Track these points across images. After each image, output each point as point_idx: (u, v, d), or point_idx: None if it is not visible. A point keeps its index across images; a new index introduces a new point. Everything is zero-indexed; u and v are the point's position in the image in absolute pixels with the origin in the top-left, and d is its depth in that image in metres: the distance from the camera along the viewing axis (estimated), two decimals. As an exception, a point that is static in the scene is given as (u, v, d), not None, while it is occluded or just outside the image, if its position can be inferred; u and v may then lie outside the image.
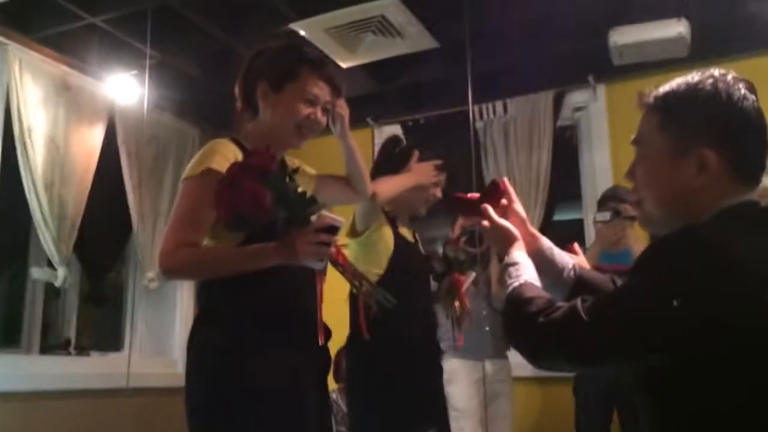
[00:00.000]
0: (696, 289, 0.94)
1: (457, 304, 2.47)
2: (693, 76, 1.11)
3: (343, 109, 1.80)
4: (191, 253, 1.52)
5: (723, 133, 1.07)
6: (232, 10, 3.19)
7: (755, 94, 1.09)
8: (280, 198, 1.42)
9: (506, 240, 1.28)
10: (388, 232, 2.28)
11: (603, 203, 2.96)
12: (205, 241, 1.56)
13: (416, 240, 2.46)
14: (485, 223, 1.32)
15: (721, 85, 1.08)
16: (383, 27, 3.10)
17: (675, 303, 0.94)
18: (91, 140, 3.42)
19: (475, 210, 1.35)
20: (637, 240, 2.87)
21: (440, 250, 2.60)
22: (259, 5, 3.05)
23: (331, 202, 1.62)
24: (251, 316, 1.54)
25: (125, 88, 3.46)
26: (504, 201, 1.36)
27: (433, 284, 2.52)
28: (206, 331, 1.56)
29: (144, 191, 3.70)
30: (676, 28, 2.91)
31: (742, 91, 1.08)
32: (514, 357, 3.13)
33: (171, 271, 1.56)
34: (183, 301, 3.99)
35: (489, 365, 3.05)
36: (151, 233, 3.73)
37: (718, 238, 0.98)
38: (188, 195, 1.56)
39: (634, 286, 1.02)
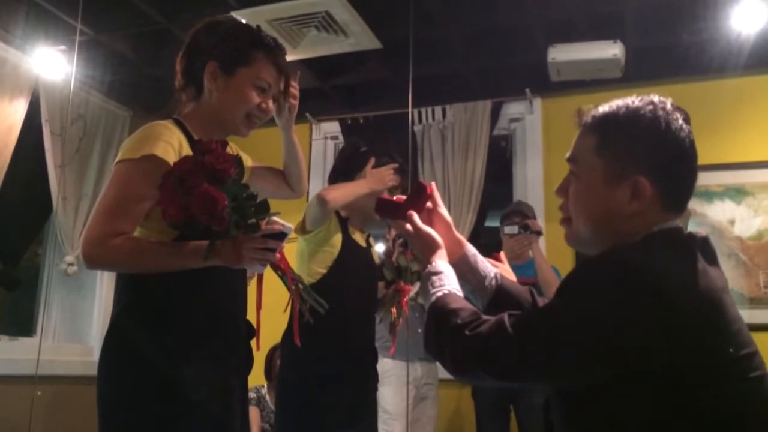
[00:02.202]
0: (619, 312, 0.95)
1: (394, 310, 2.49)
2: (633, 101, 1.11)
3: (296, 98, 1.72)
4: (122, 242, 1.38)
5: (659, 162, 1.07)
6: (171, -9, 3.08)
7: (689, 125, 1.10)
8: (235, 204, 1.35)
9: (429, 247, 1.26)
10: (336, 234, 2.28)
11: (508, 217, 3.09)
12: (136, 231, 1.44)
13: (369, 245, 2.45)
14: (408, 227, 1.30)
15: (660, 113, 1.08)
16: (327, 23, 3.06)
17: (598, 325, 0.95)
18: (11, 115, 3.23)
19: (400, 213, 1.33)
20: (541, 254, 3.01)
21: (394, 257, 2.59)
22: (200, -11, 2.96)
23: (262, 194, 1.56)
24: (182, 321, 1.44)
25: (52, 63, 3.29)
26: (429, 204, 1.34)
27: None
28: (127, 333, 1.44)
29: (67, 172, 3.54)
30: (612, 50, 2.99)
31: (680, 121, 1.08)
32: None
33: (96, 259, 1.41)
34: (103, 288, 3.84)
35: (419, 367, 3.09)
36: (72, 216, 3.57)
37: (643, 262, 0.99)
38: (124, 180, 1.42)
39: (561, 306, 1.02)
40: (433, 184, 1.36)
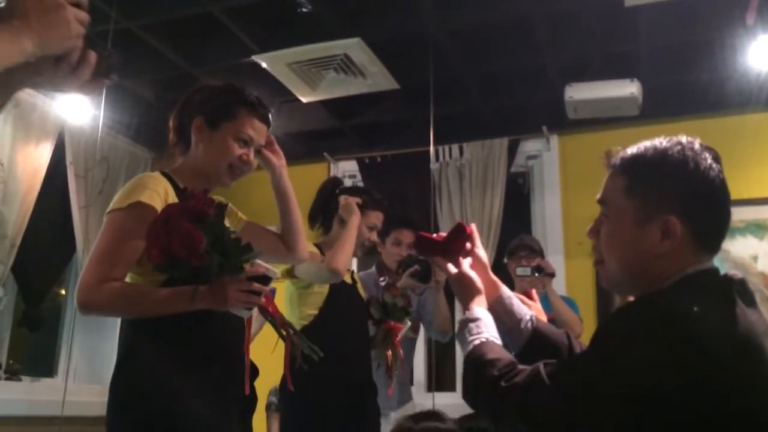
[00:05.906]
0: (656, 362, 0.93)
1: (389, 353, 2.46)
2: (661, 142, 1.11)
3: (274, 146, 1.75)
4: (113, 288, 1.46)
5: (689, 201, 1.07)
6: (194, 38, 3.16)
7: (720, 164, 1.09)
8: (215, 243, 1.40)
9: (469, 292, 1.26)
10: None
11: (514, 253, 3.04)
12: (127, 278, 1.51)
13: (354, 281, 2.47)
14: (452, 269, 1.30)
15: (689, 153, 1.08)
16: (345, 66, 3.12)
17: (634, 376, 0.94)
18: (37, 158, 3.31)
19: (439, 251, 1.34)
20: (556, 295, 2.94)
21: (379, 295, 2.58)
22: (222, 35, 3.03)
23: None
24: (180, 362, 1.49)
25: (78, 107, 3.38)
26: (468, 245, 1.34)
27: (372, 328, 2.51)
28: (131, 376, 1.50)
29: (91, 212, 3.60)
30: (629, 89, 3.00)
31: (709, 161, 1.08)
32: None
33: (89, 306, 1.48)
34: (123, 328, 3.87)
35: (392, 414, 2.93)
36: (94, 256, 3.61)
37: (679, 308, 0.97)
38: (114, 228, 1.50)
39: (597, 356, 1.01)
40: (473, 225, 1.37)
